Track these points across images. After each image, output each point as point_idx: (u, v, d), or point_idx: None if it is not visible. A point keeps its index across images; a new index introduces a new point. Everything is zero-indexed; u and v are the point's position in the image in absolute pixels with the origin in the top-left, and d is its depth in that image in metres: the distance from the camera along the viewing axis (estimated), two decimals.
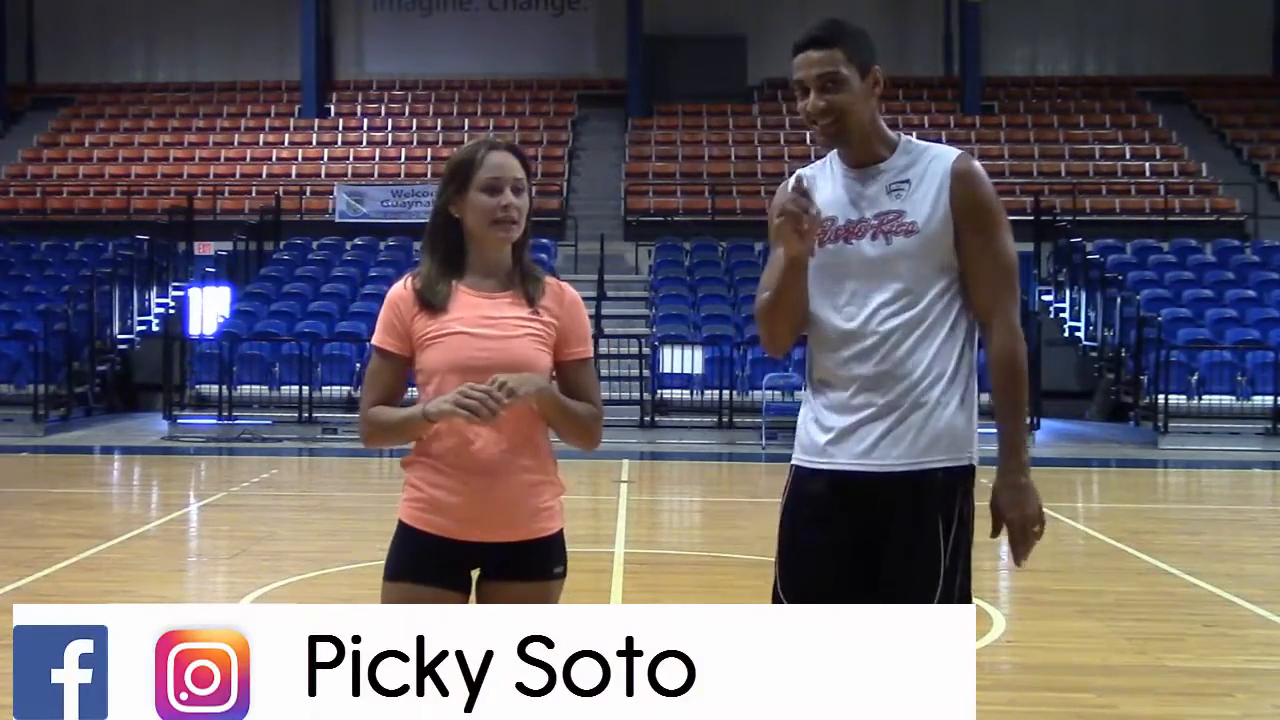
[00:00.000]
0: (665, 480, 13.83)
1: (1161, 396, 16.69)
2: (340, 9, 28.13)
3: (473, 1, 27.91)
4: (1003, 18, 26.90)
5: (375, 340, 3.09)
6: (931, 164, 2.98)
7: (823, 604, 2.75)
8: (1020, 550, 2.94)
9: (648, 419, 17.01)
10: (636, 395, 17.37)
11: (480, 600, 3.04)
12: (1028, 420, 3.03)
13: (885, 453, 2.92)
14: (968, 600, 2.94)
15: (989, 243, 2.95)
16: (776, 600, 3.01)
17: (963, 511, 2.93)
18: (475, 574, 3.06)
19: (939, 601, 2.84)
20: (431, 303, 3.02)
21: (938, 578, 2.87)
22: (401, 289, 3.08)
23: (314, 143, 25.85)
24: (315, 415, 17.01)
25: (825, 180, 3.08)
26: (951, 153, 3.00)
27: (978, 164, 3.00)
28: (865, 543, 2.93)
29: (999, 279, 2.96)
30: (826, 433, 2.98)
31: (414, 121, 26.50)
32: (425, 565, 2.99)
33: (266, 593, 7.22)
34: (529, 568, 3.03)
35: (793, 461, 3.07)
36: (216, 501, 11.30)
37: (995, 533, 2.97)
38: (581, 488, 11.71)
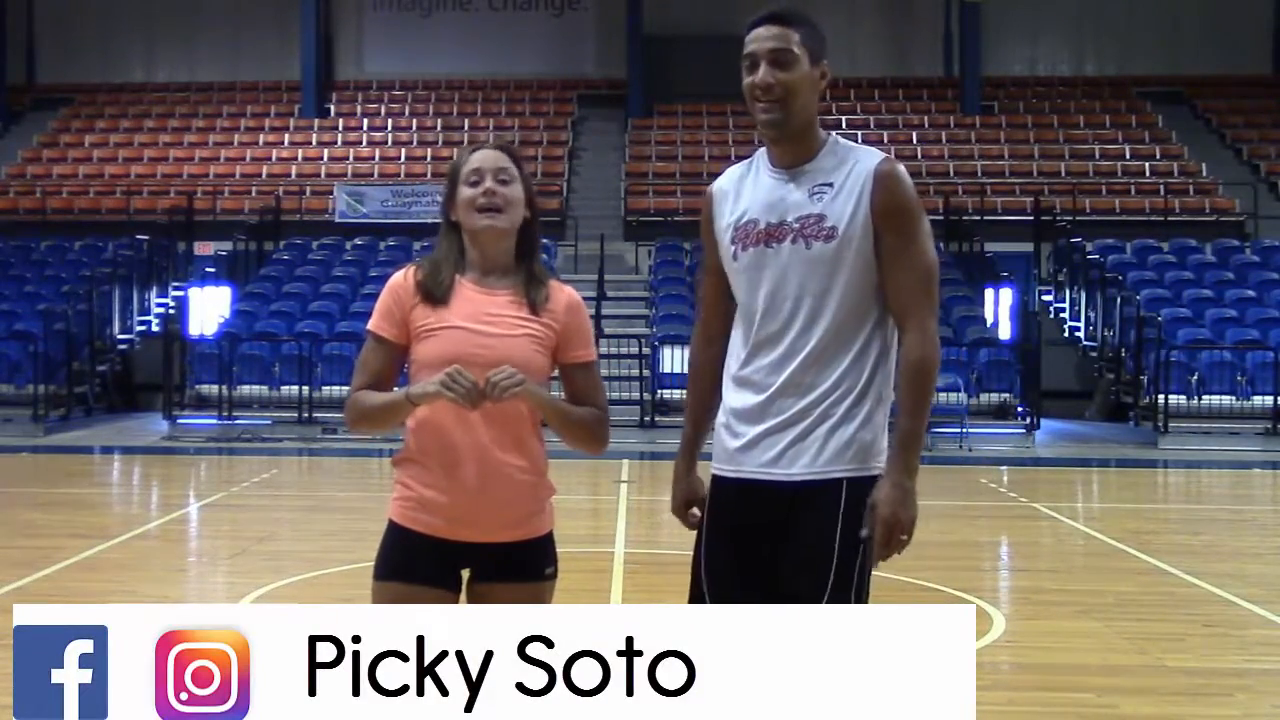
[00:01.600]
0: (665, 480, 13.73)
1: (1161, 396, 16.69)
2: (340, 9, 28.12)
3: (473, 1, 27.91)
4: (1003, 18, 26.89)
5: (371, 325, 3.08)
6: (855, 167, 2.96)
7: (735, 605, 2.77)
8: (879, 550, 2.87)
9: (648, 419, 17.02)
10: (636, 395, 17.38)
11: (471, 601, 3.03)
12: (927, 426, 2.99)
13: (790, 463, 2.93)
14: (864, 603, 2.92)
15: (907, 245, 2.92)
16: (695, 601, 3.03)
17: (864, 519, 2.90)
18: (466, 574, 3.05)
19: (827, 603, 2.84)
20: (433, 293, 3.01)
21: (827, 580, 2.87)
22: (402, 279, 3.08)
23: (314, 143, 25.84)
24: (315, 415, 17.00)
25: (749, 182, 3.10)
26: (876, 155, 2.98)
27: (900, 167, 2.98)
28: (771, 547, 2.95)
29: (915, 283, 2.93)
30: (736, 439, 3.00)
31: (414, 121, 26.49)
32: (416, 565, 2.98)
33: (266, 593, 7.21)
34: (520, 569, 3.03)
35: (711, 469, 3.09)
36: (216, 501, 11.29)
37: (869, 530, 2.88)
38: (581, 488, 11.71)
